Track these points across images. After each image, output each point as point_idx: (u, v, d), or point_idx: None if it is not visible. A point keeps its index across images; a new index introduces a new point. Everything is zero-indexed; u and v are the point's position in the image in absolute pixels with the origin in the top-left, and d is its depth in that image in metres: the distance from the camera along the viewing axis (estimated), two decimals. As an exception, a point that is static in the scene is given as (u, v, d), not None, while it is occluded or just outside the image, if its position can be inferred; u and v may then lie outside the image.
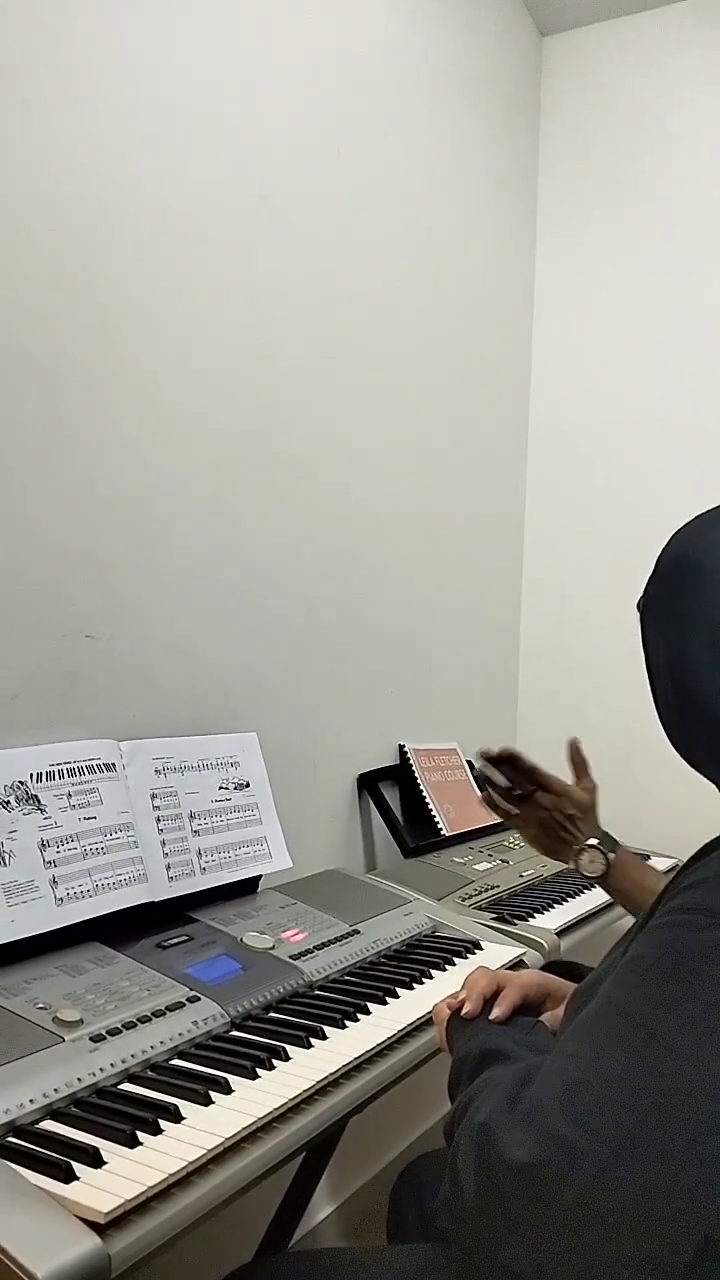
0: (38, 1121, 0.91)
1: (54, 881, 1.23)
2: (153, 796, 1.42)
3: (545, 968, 1.50)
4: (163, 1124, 0.90)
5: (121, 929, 1.29)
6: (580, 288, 2.84)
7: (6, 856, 1.19)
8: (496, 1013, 1.00)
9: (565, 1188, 0.66)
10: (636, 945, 0.76)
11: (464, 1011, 1.02)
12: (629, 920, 1.91)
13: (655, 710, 0.90)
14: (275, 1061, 1.05)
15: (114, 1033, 1.06)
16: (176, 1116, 0.92)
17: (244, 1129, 0.92)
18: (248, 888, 1.55)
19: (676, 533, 0.90)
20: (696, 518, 0.89)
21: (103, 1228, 0.75)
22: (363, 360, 2.10)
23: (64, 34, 1.39)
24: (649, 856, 2.32)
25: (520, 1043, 0.92)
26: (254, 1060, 1.04)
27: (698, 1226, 0.66)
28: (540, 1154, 0.68)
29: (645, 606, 0.90)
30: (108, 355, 1.48)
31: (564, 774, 2.74)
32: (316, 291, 1.94)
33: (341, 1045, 1.12)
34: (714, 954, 0.69)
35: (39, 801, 1.26)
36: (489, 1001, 1.02)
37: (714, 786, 0.87)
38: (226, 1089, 0.98)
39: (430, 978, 1.37)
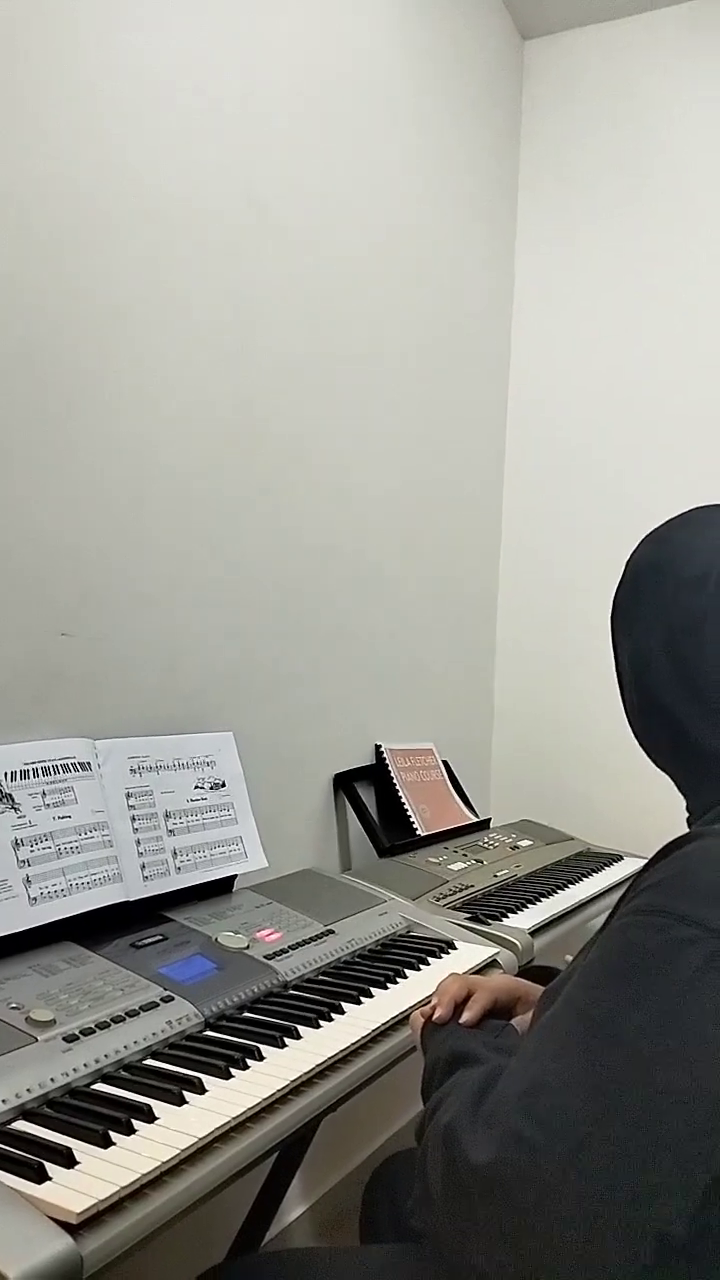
0: (10, 1122, 0.90)
1: (28, 881, 1.22)
2: (128, 796, 1.42)
3: (521, 973, 1.51)
4: (136, 1124, 0.90)
5: (96, 929, 1.29)
6: (561, 284, 2.86)
7: (-20, 855, 1.19)
8: (466, 1016, 1.01)
9: (526, 1188, 0.67)
10: (597, 947, 0.76)
11: (435, 1017, 1.03)
12: (603, 919, 1.92)
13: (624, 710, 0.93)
14: (249, 1061, 1.05)
15: (87, 1033, 1.05)
16: (150, 1116, 0.92)
17: (217, 1129, 0.91)
18: (223, 887, 1.55)
19: (645, 537, 0.92)
20: (665, 523, 0.91)
21: (75, 1228, 0.75)
22: (347, 358, 2.10)
23: (60, 36, 1.38)
24: (621, 857, 2.34)
25: (490, 1045, 0.93)
26: (228, 1060, 1.04)
27: (653, 1225, 0.66)
28: (501, 1155, 0.68)
29: (613, 608, 0.93)
30: (91, 353, 1.47)
31: (535, 776, 2.73)
32: (299, 293, 1.94)
33: (315, 1045, 1.12)
34: (672, 955, 0.70)
35: (13, 800, 1.25)
36: (461, 1006, 1.03)
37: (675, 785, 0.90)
38: (200, 1089, 0.98)
39: (404, 977, 1.37)
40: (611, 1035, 0.69)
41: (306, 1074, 1.05)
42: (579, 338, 2.83)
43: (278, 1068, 1.05)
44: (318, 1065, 1.07)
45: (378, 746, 2.23)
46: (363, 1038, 1.16)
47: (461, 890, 1.86)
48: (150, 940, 1.31)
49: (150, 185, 1.57)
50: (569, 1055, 0.70)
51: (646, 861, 0.84)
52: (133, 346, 1.55)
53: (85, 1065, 1.00)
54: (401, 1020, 1.23)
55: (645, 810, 2.35)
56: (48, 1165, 0.81)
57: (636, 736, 0.93)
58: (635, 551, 0.92)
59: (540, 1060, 0.72)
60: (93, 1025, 1.07)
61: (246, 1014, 1.20)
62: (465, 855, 2.10)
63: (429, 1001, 1.08)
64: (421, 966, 1.42)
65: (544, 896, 1.89)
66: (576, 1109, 0.67)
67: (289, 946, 1.39)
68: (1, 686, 1.36)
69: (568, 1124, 0.67)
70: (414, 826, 2.14)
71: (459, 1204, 0.71)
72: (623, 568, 0.95)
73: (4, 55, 1.32)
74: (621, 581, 0.93)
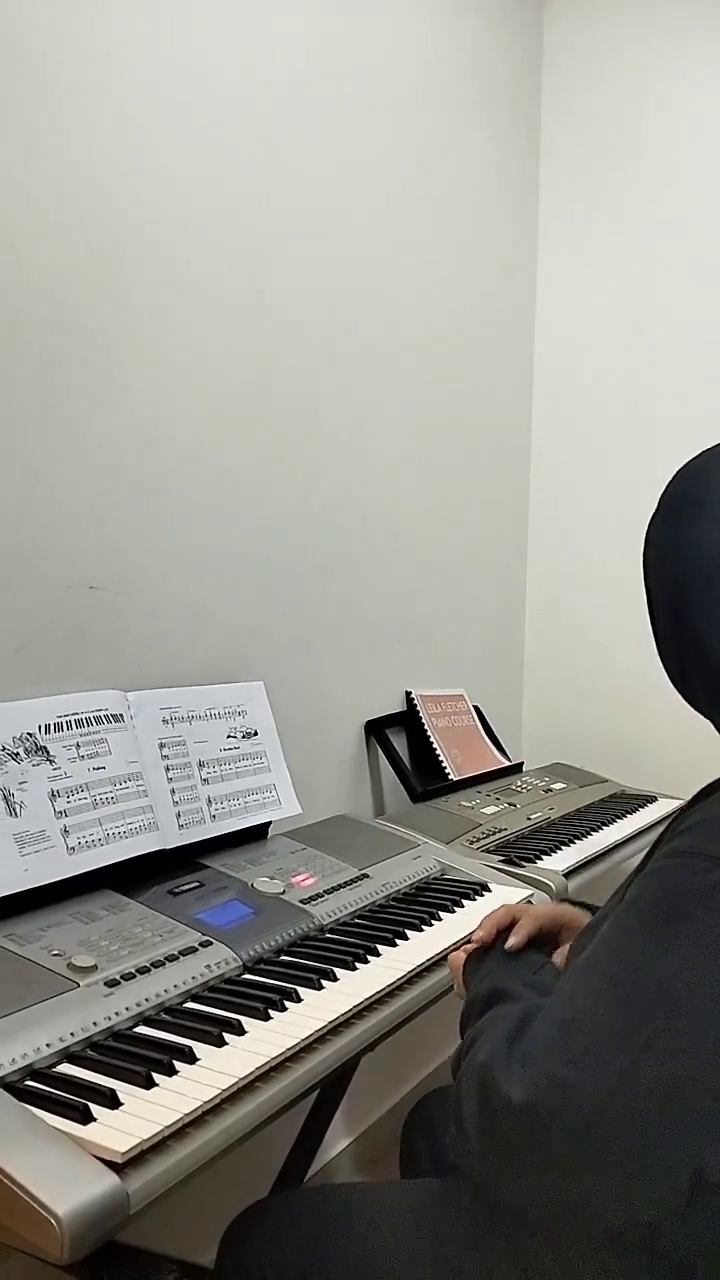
0: (55, 1065, 0.93)
1: (65, 831, 1.24)
2: (161, 746, 1.43)
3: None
4: (178, 1065, 0.92)
5: (133, 876, 1.31)
6: (586, 235, 2.79)
7: (17, 807, 1.20)
8: (512, 941, 1.01)
9: (561, 1126, 0.68)
10: (634, 889, 0.76)
11: (475, 938, 1.03)
12: (637, 861, 1.92)
13: (656, 649, 0.91)
14: (287, 1003, 1.07)
15: (128, 977, 1.07)
16: (191, 1058, 0.94)
17: (257, 1069, 0.93)
18: (258, 834, 1.56)
19: (680, 469, 0.90)
20: (700, 454, 0.89)
21: (120, 1167, 0.77)
22: (364, 315, 2.07)
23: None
24: (655, 799, 2.34)
25: (527, 982, 0.93)
26: (266, 1002, 1.06)
27: (688, 1162, 0.67)
28: (537, 1094, 0.69)
29: (646, 544, 0.90)
30: (109, 308, 1.46)
31: (567, 719, 2.72)
32: (317, 248, 1.90)
33: (352, 986, 1.14)
34: (709, 897, 0.70)
35: (48, 752, 1.26)
36: (505, 932, 1.04)
37: (713, 726, 0.88)
38: (240, 1030, 1.00)
39: (439, 919, 1.38)
40: (647, 977, 0.69)
41: (344, 1015, 1.07)
42: (605, 287, 2.76)
43: (315, 1009, 1.07)
44: (355, 1006, 1.09)
45: (408, 693, 2.23)
46: (398, 979, 1.17)
47: (495, 833, 1.87)
48: (187, 887, 1.33)
49: (159, 142, 1.54)
50: (605, 996, 0.71)
51: (683, 804, 0.83)
52: (152, 309, 1.53)
53: (127, 1009, 1.02)
54: (437, 962, 1.24)
55: (680, 752, 2.35)
56: (92, 1106, 0.83)
57: (671, 676, 0.90)
58: (671, 483, 0.89)
59: (576, 1001, 0.72)
60: (133, 970, 1.09)
61: (284, 957, 1.22)
62: (498, 799, 2.10)
63: (466, 942, 1.09)
64: (456, 909, 1.43)
65: (578, 838, 1.90)
66: (612, 1050, 0.68)
67: (324, 891, 1.40)
68: (33, 641, 1.37)
69: (603, 1065, 0.68)
70: (446, 771, 2.14)
71: (494, 1141, 0.72)
72: (657, 501, 0.92)
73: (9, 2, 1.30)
74: (656, 514, 0.90)
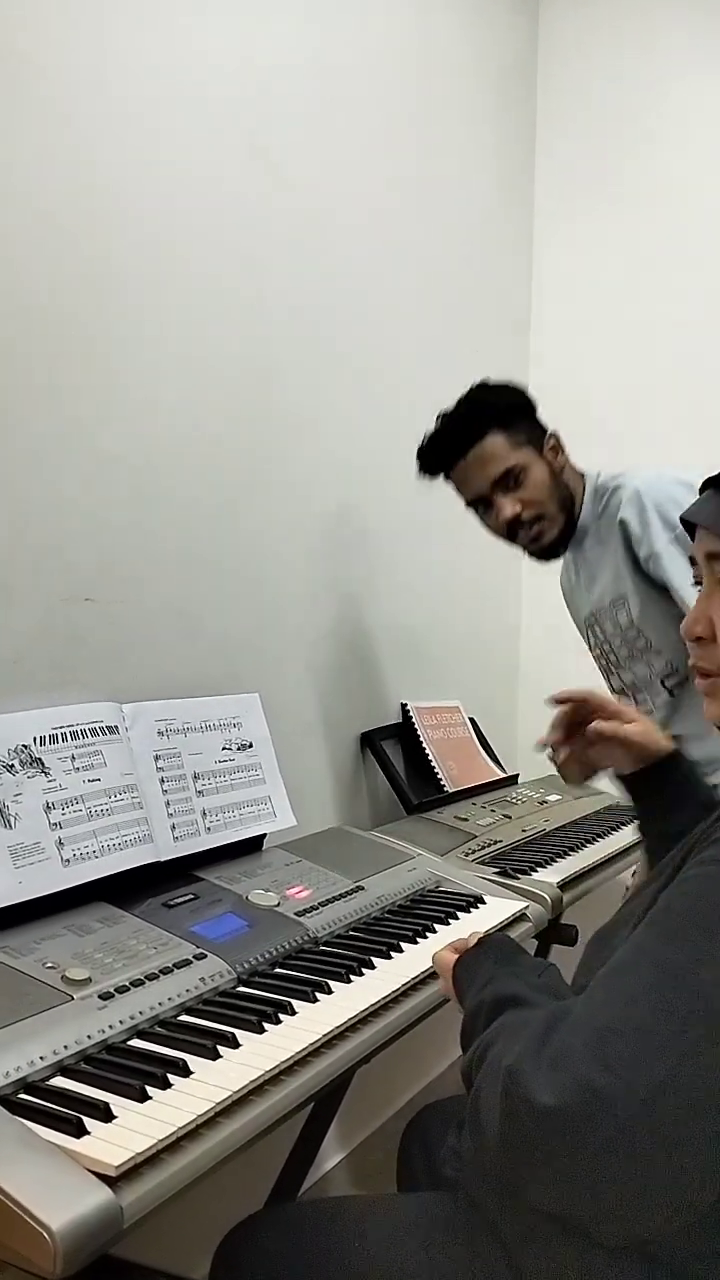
0: (48, 1078, 0.92)
1: (60, 843, 1.24)
2: (156, 758, 1.43)
3: (541, 935, 1.51)
4: (171, 1078, 0.91)
5: (128, 889, 1.31)
6: (580, 232, 2.80)
7: (12, 819, 1.20)
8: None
9: (594, 1132, 0.67)
10: (667, 896, 0.76)
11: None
12: (629, 872, 1.92)
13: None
14: (281, 1016, 1.07)
15: (122, 990, 1.07)
16: (185, 1071, 0.93)
17: (251, 1082, 0.93)
18: (252, 846, 1.56)
19: None
20: None
21: (114, 1180, 0.77)
22: (362, 321, 2.08)
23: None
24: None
25: (534, 985, 0.92)
26: (260, 1015, 1.05)
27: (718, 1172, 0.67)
28: (569, 1098, 0.68)
29: None
30: (105, 318, 1.47)
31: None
32: (312, 247, 1.92)
33: (346, 999, 1.13)
34: None
35: (43, 764, 1.26)
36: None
37: None
38: (234, 1043, 1.00)
39: (434, 932, 1.38)
40: (685, 984, 0.69)
41: (338, 1028, 1.06)
42: (602, 284, 2.78)
43: (310, 1022, 1.06)
44: (349, 1019, 1.08)
45: (403, 705, 2.24)
46: (393, 992, 1.17)
47: (489, 845, 1.87)
48: (182, 899, 1.33)
49: (155, 143, 1.55)
50: (642, 1003, 0.70)
51: (716, 814, 0.83)
52: (147, 318, 1.54)
53: (121, 1022, 1.02)
54: (432, 974, 1.24)
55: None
56: (86, 1120, 0.83)
57: None
58: None
59: (610, 1006, 0.72)
60: (127, 983, 1.08)
61: (278, 970, 1.21)
62: (493, 810, 2.10)
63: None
64: (450, 921, 1.43)
65: (572, 851, 1.89)
66: (650, 1057, 0.67)
67: (319, 903, 1.40)
68: (28, 653, 1.37)
69: (640, 1072, 0.67)
70: (441, 783, 2.14)
71: (520, 1145, 0.71)
72: None
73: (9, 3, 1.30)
74: None
